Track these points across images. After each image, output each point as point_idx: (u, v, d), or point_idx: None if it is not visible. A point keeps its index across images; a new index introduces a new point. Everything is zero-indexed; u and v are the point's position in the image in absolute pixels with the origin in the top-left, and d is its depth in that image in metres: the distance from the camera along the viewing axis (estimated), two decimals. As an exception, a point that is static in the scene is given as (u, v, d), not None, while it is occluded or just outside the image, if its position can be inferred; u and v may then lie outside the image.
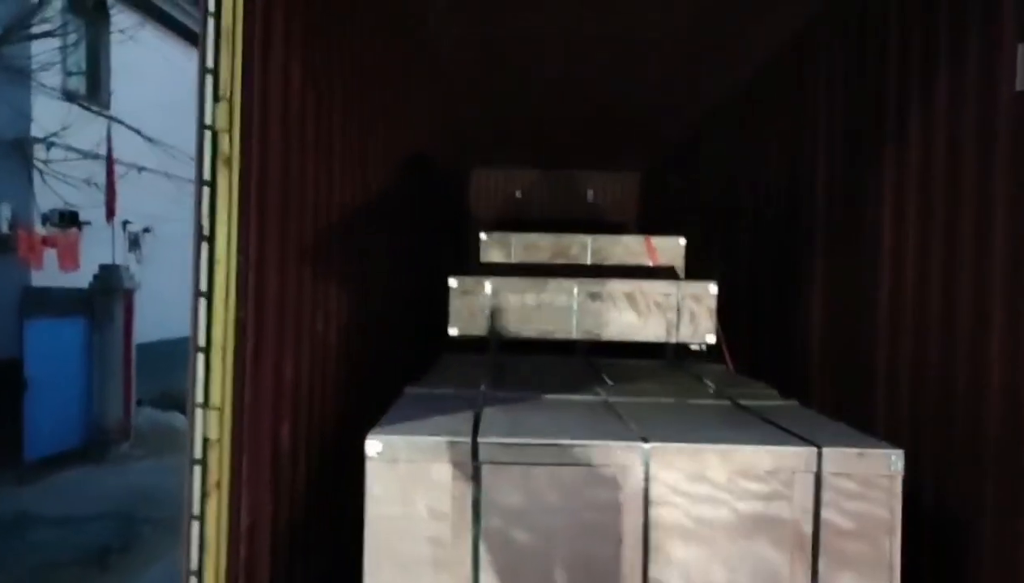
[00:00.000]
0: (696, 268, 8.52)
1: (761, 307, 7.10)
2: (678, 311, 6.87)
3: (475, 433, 3.57)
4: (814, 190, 5.91)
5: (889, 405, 4.69)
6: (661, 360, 6.77)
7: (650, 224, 12.55)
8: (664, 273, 8.39)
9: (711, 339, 6.85)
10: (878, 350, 4.81)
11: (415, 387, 4.86)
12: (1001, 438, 3.71)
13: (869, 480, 3.47)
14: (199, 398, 3.18)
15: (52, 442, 12.09)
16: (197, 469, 3.17)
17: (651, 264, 8.77)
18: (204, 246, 3.16)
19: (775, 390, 5.23)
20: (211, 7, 3.15)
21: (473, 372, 5.70)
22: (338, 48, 4.97)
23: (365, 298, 5.83)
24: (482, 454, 3.46)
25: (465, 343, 6.97)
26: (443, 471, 3.44)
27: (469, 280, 6.99)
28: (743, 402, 4.66)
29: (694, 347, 6.88)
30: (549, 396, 4.70)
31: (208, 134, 3.16)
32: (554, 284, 6.95)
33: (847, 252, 5.36)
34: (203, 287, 3.16)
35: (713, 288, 6.85)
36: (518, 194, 14.76)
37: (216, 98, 3.17)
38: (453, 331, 6.95)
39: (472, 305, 6.95)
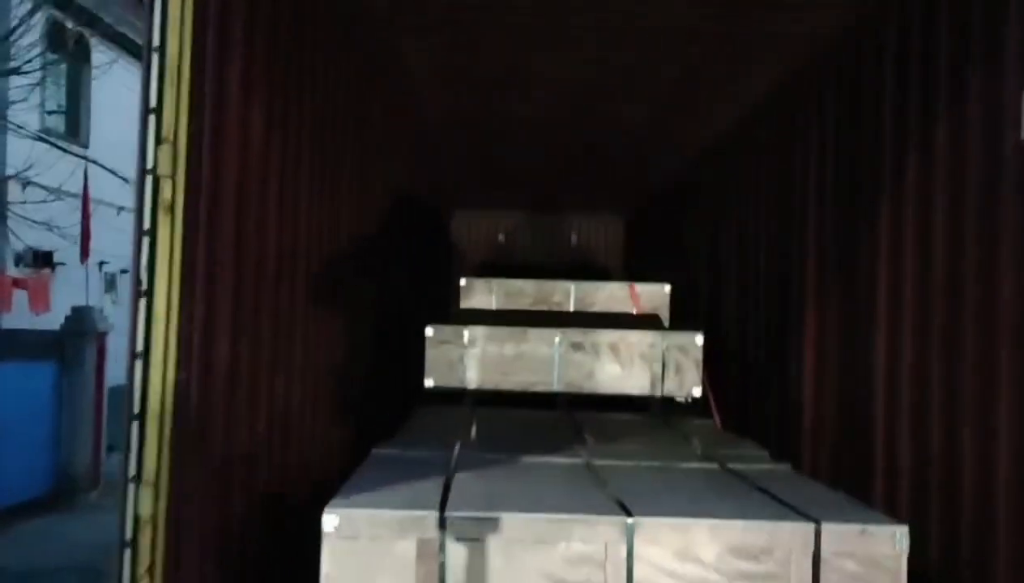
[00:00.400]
0: (682, 317, 8.28)
1: (749, 360, 6.83)
2: (663, 362, 6.60)
3: (443, 505, 3.27)
4: (804, 241, 5.67)
5: (887, 472, 4.42)
6: (646, 413, 6.49)
7: (635, 270, 12.34)
8: (648, 322, 8.13)
9: (697, 392, 6.58)
10: (875, 413, 4.54)
11: (383, 447, 4.56)
12: (1012, 508, 3.44)
13: (872, 559, 3.19)
14: (131, 471, 2.87)
15: (18, 490, 11.67)
16: (127, 552, 2.85)
17: (635, 312, 8.51)
18: (142, 302, 2.87)
19: (765, 451, 4.95)
20: (155, 41, 2.88)
21: (448, 428, 5.40)
22: (309, 88, 4.71)
23: (334, 354, 5.54)
24: (451, 529, 3.16)
25: (442, 395, 6.67)
26: (407, 549, 3.14)
27: (447, 329, 6.71)
28: (732, 466, 4.37)
29: (680, 399, 6.60)
30: (527, 458, 4.40)
31: (149, 179, 2.88)
32: (535, 334, 6.68)
33: (841, 307, 5.11)
34: (139, 347, 2.86)
35: (699, 339, 6.59)
36: (501, 237, 14.53)
37: (159, 140, 2.89)
38: (429, 382, 6.66)
39: (450, 355, 6.66)
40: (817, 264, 5.51)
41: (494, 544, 3.15)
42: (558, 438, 5.19)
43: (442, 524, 3.15)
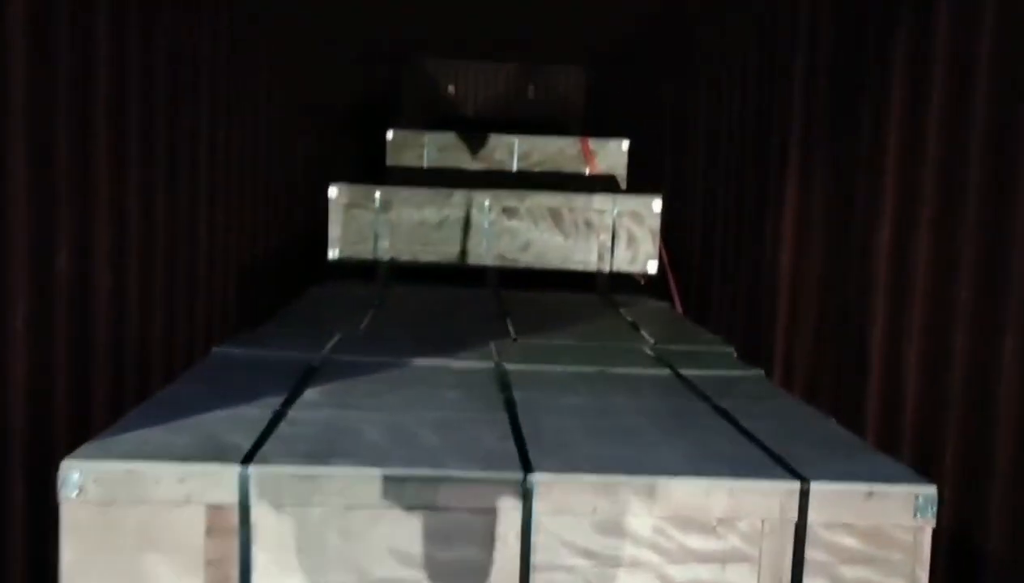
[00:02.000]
0: (644, 181, 7.16)
1: (717, 234, 5.74)
2: (613, 232, 5.51)
3: (254, 451, 2.21)
4: (789, 92, 4.51)
5: (886, 392, 3.40)
6: (591, 293, 5.44)
7: (599, 128, 11.14)
8: (601, 184, 7.01)
9: (653, 268, 5.52)
10: (873, 313, 3.50)
11: (232, 344, 3.47)
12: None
13: (881, 534, 2.18)
14: None
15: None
16: None
17: (588, 172, 7.39)
18: None
19: (731, 348, 3.92)
20: None
21: (336, 314, 4.33)
22: None
23: (197, 229, 4.42)
24: (260, 490, 2.10)
25: (351, 269, 5.58)
26: (192, 520, 2.09)
27: (354, 190, 5.55)
28: (688, 371, 3.34)
29: (636, 276, 5.55)
30: (418, 361, 3.34)
31: None
32: (460, 197, 5.54)
33: (834, 177, 4.00)
34: None
35: (656, 204, 5.49)
36: (451, 89, 13.21)
37: None
38: (333, 254, 5.55)
39: (358, 221, 5.54)
40: (803, 121, 4.37)
41: (324, 512, 2.10)
42: (474, 329, 4.13)
43: (246, 483, 2.10)
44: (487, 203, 5.52)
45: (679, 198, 6.84)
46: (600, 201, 5.51)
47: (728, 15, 5.72)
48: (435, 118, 12.82)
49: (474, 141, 7.46)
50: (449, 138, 7.54)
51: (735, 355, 3.83)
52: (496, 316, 4.51)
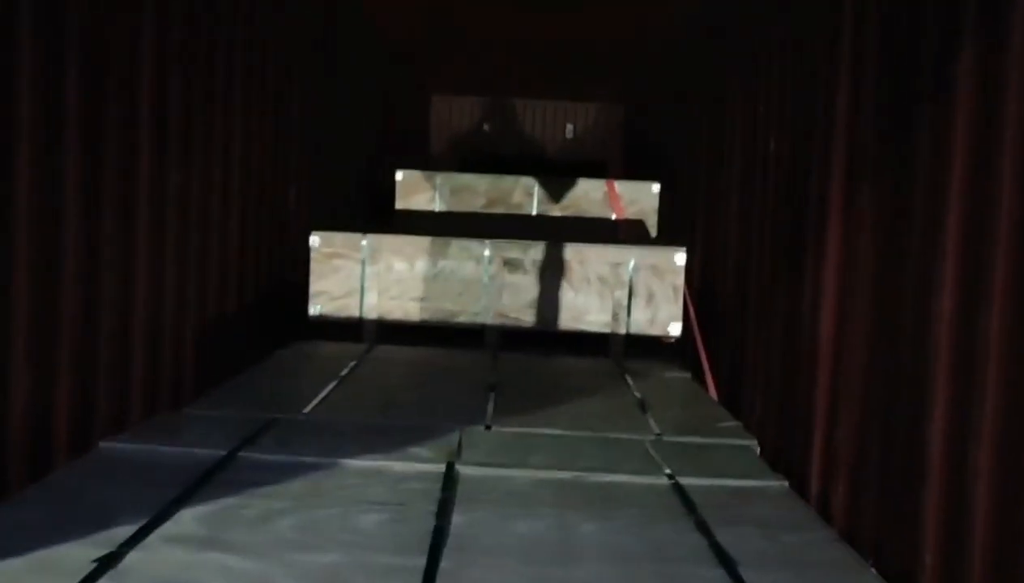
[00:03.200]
0: (677, 229, 6.48)
1: (752, 287, 5.01)
2: (630, 288, 4.82)
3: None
4: (831, 121, 3.80)
5: (948, 511, 2.64)
6: (605, 358, 4.75)
7: (634, 167, 10.48)
8: (627, 231, 6.34)
9: (676, 330, 4.81)
10: (931, 399, 2.75)
11: (125, 437, 2.84)
12: None
13: None
14: None
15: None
16: None
17: (615, 217, 6.73)
18: None
19: (753, 441, 3.19)
20: None
21: (290, 388, 3.69)
22: None
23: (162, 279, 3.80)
24: None
25: (336, 327, 4.95)
26: None
27: (338, 238, 4.94)
28: (691, 481, 2.63)
29: (664, 339, 4.85)
30: (355, 462, 2.68)
31: None
32: (458, 246, 4.90)
33: (882, 225, 3.27)
34: None
35: (680, 257, 4.79)
36: (486, 127, 12.64)
37: None
38: (314, 310, 4.93)
39: (343, 273, 4.92)
40: (847, 157, 3.65)
41: None
42: (447, 408, 3.47)
43: None
44: (486, 254, 4.87)
45: (713, 246, 6.12)
46: (615, 253, 4.83)
47: (763, 43, 5.03)
48: (467, 156, 12.28)
49: (551, 185, 6.86)
50: (461, 180, 6.94)
51: (758, 450, 3.11)
52: (482, 389, 3.83)
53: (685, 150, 7.67)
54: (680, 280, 4.78)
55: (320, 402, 3.45)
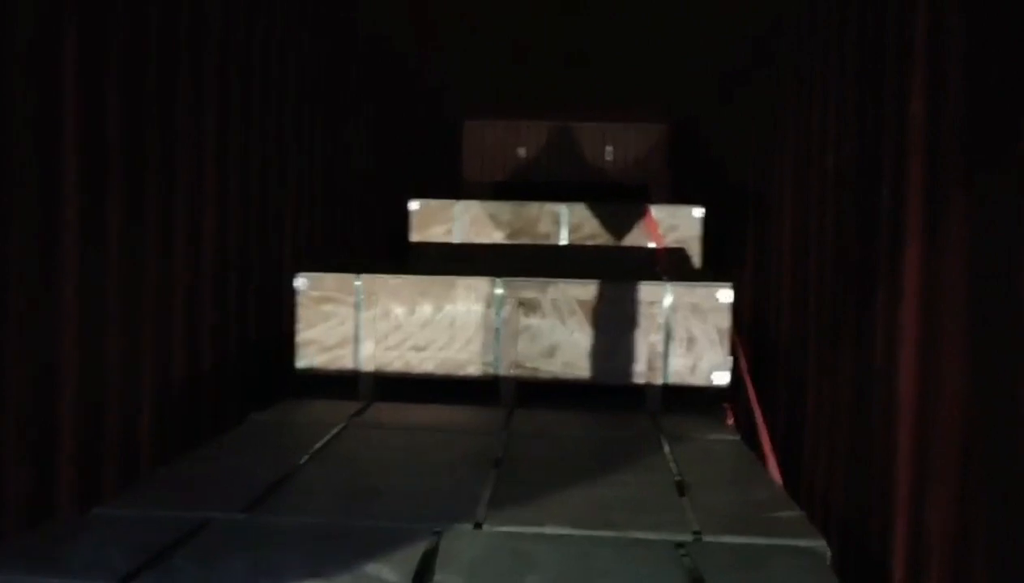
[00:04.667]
0: (726, 258, 5.77)
1: (811, 330, 4.26)
2: (667, 332, 4.11)
3: None
4: (904, 131, 3.08)
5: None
6: (640, 413, 4.04)
7: (681, 190, 9.79)
8: (668, 262, 5.63)
9: (722, 379, 4.09)
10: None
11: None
12: None
13: None
14: None
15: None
16: None
17: (655, 246, 6.02)
18: None
19: (822, 543, 2.45)
20: None
21: (245, 470, 3.03)
22: None
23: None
24: None
25: (331, 382, 4.29)
26: None
27: (327, 279, 4.29)
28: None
29: (716, 384, 4.13)
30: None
31: None
32: (465, 286, 4.23)
33: (974, 245, 2.54)
34: None
35: (725, 294, 4.07)
36: (522, 152, 12.01)
37: None
38: (301, 363, 4.28)
39: (336, 319, 4.27)
40: (927, 163, 2.92)
41: None
42: (433, 496, 2.79)
43: None
44: (499, 293, 4.19)
45: (766, 280, 5.37)
46: (648, 290, 4.12)
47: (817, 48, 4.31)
48: (502, 183, 11.71)
49: (582, 212, 6.22)
50: (483, 209, 6.29)
51: (828, 556, 2.37)
52: (484, 464, 3.14)
53: (733, 170, 6.96)
54: (726, 321, 4.06)
55: (273, 492, 2.78)
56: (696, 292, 4.08)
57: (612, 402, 4.15)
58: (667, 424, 3.81)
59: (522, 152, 12.11)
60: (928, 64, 2.89)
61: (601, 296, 4.14)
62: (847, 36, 3.80)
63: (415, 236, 6.22)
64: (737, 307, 4.26)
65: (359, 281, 4.26)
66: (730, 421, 4.25)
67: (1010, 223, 2.26)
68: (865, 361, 3.30)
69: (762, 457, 4.24)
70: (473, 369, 4.20)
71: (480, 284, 4.20)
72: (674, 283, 4.14)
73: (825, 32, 4.17)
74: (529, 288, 4.18)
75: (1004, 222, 2.29)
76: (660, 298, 4.08)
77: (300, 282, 4.27)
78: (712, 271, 5.24)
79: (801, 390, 4.23)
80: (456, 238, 6.21)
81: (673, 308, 4.08)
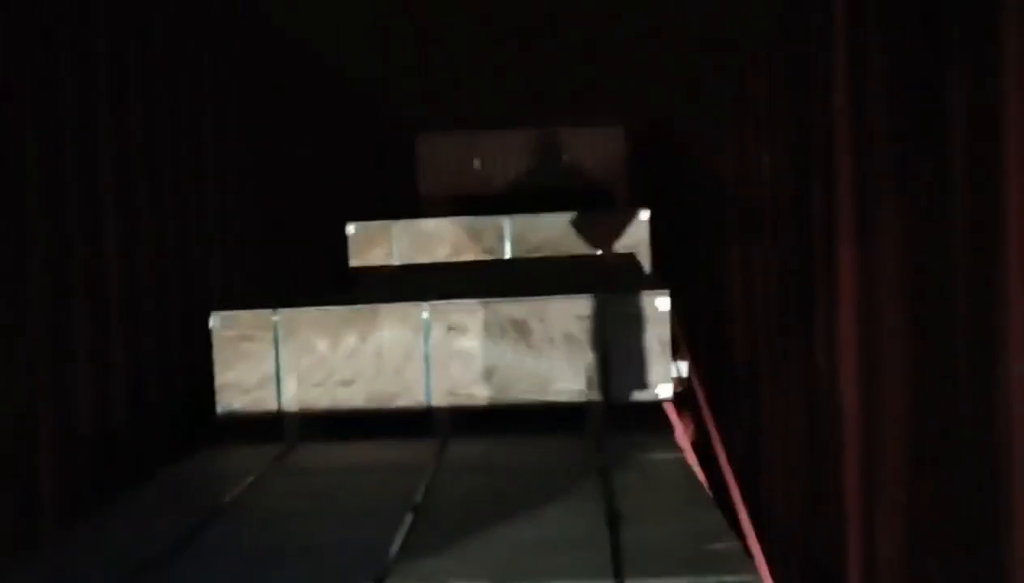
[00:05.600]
0: (677, 264, 5.53)
1: (760, 339, 4.03)
2: (605, 346, 3.87)
3: None
4: (831, 124, 2.85)
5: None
6: (581, 436, 3.79)
7: (644, 196, 9.56)
8: (617, 270, 5.39)
9: (666, 392, 3.85)
10: (1007, 502, 1.80)
11: None
12: None
13: None
14: None
15: None
16: None
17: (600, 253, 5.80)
18: None
19: (757, 578, 2.21)
20: None
21: (131, 542, 2.76)
22: None
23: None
24: None
25: (257, 424, 4.03)
26: None
27: (243, 317, 4.03)
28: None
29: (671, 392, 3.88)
30: None
31: None
32: (390, 314, 3.97)
33: (912, 250, 2.32)
34: None
35: (663, 302, 3.83)
36: (477, 163, 11.79)
37: None
38: (222, 407, 4.02)
39: (255, 358, 4.00)
40: (853, 164, 2.70)
41: None
42: (340, 549, 2.53)
43: None
44: (426, 318, 3.93)
45: (716, 286, 5.13)
46: (582, 304, 3.87)
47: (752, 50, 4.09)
48: (459, 197, 11.51)
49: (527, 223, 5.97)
50: (423, 227, 6.06)
51: (762, 595, 2.13)
52: (402, 508, 2.89)
53: (684, 173, 6.75)
54: (665, 331, 3.81)
55: (160, 563, 2.51)
56: (632, 302, 3.84)
57: (553, 424, 3.89)
58: (609, 445, 3.56)
59: (477, 163, 11.88)
60: (849, 53, 2.67)
61: (534, 314, 3.89)
62: (770, 40, 3.59)
63: (354, 261, 5.98)
64: (693, 314, 4.04)
65: (277, 316, 3.99)
66: (688, 432, 4.01)
67: (942, 218, 2.03)
68: (810, 384, 3.07)
69: (719, 469, 4.01)
70: (404, 400, 3.94)
71: (406, 310, 3.94)
72: (609, 294, 3.90)
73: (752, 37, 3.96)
74: (458, 311, 3.93)
75: (936, 218, 2.06)
76: (595, 311, 3.84)
77: (213, 321, 4.01)
78: (657, 277, 5.00)
79: (756, 400, 4.00)
80: (396, 260, 5.97)
81: (609, 320, 3.84)
